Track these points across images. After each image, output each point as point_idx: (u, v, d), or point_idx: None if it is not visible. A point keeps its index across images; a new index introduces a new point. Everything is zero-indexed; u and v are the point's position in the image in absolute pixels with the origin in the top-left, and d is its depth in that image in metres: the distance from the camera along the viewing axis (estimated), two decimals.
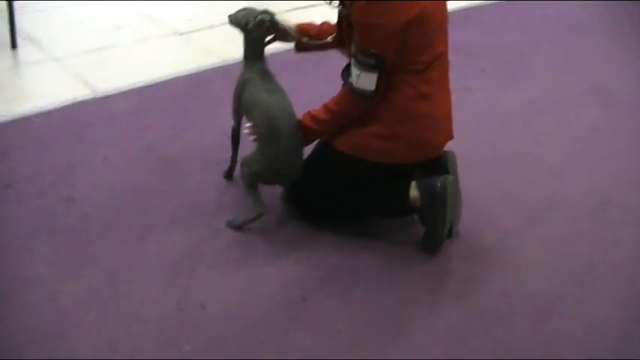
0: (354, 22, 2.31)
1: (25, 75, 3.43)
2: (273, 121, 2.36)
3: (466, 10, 4.76)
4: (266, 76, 2.49)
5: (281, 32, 2.57)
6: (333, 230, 2.54)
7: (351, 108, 2.39)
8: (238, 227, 2.47)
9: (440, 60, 2.40)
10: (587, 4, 5.35)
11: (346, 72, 2.38)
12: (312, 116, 2.44)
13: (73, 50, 3.63)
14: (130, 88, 3.35)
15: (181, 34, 3.95)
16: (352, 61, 2.32)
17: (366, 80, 2.29)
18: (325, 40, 2.56)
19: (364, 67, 2.27)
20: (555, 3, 5.26)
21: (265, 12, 2.50)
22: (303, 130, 2.45)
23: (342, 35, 2.47)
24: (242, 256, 2.40)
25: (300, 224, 2.55)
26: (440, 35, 2.40)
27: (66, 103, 3.17)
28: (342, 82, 2.40)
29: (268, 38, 2.54)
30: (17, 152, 2.81)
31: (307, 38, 2.57)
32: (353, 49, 2.32)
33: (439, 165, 2.49)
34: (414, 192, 2.42)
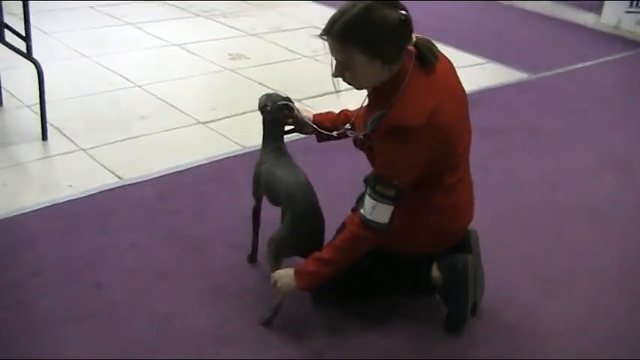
0: (381, 156, 2.23)
1: (55, 165, 3.53)
2: (290, 191, 2.41)
3: (476, 93, 4.87)
4: (281, 153, 2.56)
5: (299, 122, 2.61)
6: (357, 310, 2.56)
7: (362, 243, 2.29)
8: (271, 319, 2.46)
9: (463, 155, 2.40)
10: (597, 83, 5.46)
11: (359, 201, 2.31)
12: (317, 259, 2.31)
13: (100, 141, 3.75)
14: (155, 176, 3.44)
15: (204, 122, 4.07)
16: (368, 191, 2.23)
17: (381, 212, 2.21)
18: (340, 131, 2.54)
19: (382, 198, 2.19)
20: (565, 82, 5.38)
21: (285, 99, 2.59)
22: (305, 276, 2.33)
23: (362, 150, 2.42)
24: (264, 336, 2.42)
25: (324, 303, 2.58)
26: (463, 138, 2.36)
27: (93, 192, 3.25)
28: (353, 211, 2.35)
29: (287, 128, 2.62)
30: (45, 240, 2.88)
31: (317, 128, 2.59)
32: (371, 179, 2.23)
33: (462, 243, 2.51)
34: (436, 272, 2.45)
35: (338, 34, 2.14)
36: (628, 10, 7.24)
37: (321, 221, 2.44)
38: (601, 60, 6.13)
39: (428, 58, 2.21)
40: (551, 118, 4.62)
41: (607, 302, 2.72)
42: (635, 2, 7.18)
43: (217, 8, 6.59)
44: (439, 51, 2.28)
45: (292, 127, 2.64)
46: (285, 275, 2.37)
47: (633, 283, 2.85)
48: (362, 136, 2.32)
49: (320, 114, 2.68)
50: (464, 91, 2.40)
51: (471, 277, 2.41)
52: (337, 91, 2.28)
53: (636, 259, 3.02)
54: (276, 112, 2.55)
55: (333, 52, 2.18)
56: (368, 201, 2.23)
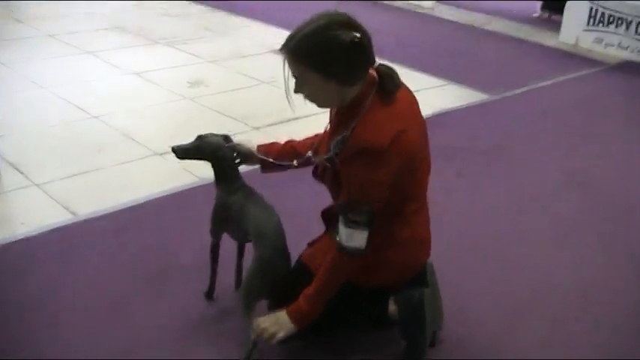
0: (348, 181, 2.20)
1: (7, 202, 3.46)
2: (261, 231, 2.40)
3: (437, 115, 4.88)
4: (249, 192, 2.53)
5: (244, 154, 2.59)
6: (316, 344, 2.52)
7: (344, 269, 2.28)
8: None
9: (423, 185, 2.39)
10: (557, 102, 5.51)
11: (332, 231, 2.28)
12: (306, 296, 2.28)
13: (54, 175, 3.69)
14: (111, 210, 3.38)
15: (161, 154, 4.02)
16: (341, 220, 2.21)
17: (357, 238, 2.20)
18: (301, 160, 2.52)
19: (356, 225, 2.18)
20: (525, 103, 5.43)
21: (227, 138, 2.57)
22: (300, 316, 2.30)
23: (322, 181, 2.40)
24: None
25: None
26: (423, 169, 2.35)
27: (47, 229, 3.19)
28: (327, 234, 2.33)
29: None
30: None
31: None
32: (341, 207, 2.22)
33: (418, 275, 2.47)
34: (392, 306, 2.42)
35: (293, 50, 2.13)
36: (586, 28, 7.35)
37: (289, 263, 2.44)
38: (561, 79, 6.19)
39: (387, 86, 2.19)
40: (512, 139, 4.64)
41: (570, 333, 2.70)
42: (592, 20, 7.29)
43: (177, 35, 6.57)
44: (400, 81, 2.26)
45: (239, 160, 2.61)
46: (274, 322, 2.31)
47: (596, 308, 2.85)
48: (325, 161, 2.28)
49: (264, 145, 2.65)
50: (423, 120, 2.39)
51: (428, 310, 2.38)
52: (292, 109, 2.22)
53: (598, 282, 3.02)
54: (227, 153, 2.53)
55: (290, 67, 2.17)
56: (343, 230, 2.20)
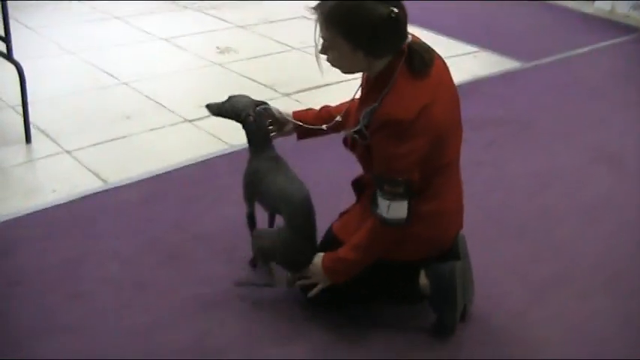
0: (377, 154, 2.20)
1: (38, 169, 3.48)
2: (297, 210, 2.39)
3: (469, 83, 4.81)
4: (280, 163, 2.51)
5: (279, 122, 2.58)
6: (344, 316, 2.52)
7: (387, 238, 2.27)
8: (243, 284, 2.52)
9: (454, 159, 2.36)
10: (590, 71, 5.40)
11: (372, 202, 2.25)
12: (341, 259, 2.31)
13: (84, 142, 3.70)
14: (140, 178, 3.39)
15: (191, 121, 4.01)
16: (378, 192, 2.20)
17: (397, 209, 2.18)
18: (330, 124, 2.49)
19: (393, 196, 2.17)
20: (558, 71, 5.32)
21: (261, 102, 2.53)
22: (336, 274, 2.34)
23: (353, 151, 2.38)
24: (247, 346, 2.38)
25: (310, 310, 2.53)
26: (454, 140, 2.33)
27: (76, 197, 3.20)
28: (369, 209, 2.28)
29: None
30: (26, 248, 2.83)
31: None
32: (376, 179, 2.21)
33: (451, 247, 2.47)
34: (423, 280, 2.40)
35: (326, 13, 2.11)
36: None
37: (314, 241, 2.44)
38: (595, 46, 6.05)
39: (415, 63, 2.15)
40: (543, 110, 4.56)
41: (596, 305, 2.67)
42: None
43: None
44: (434, 56, 2.22)
45: (271, 128, 2.59)
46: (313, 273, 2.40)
47: (622, 284, 2.80)
48: (354, 133, 2.26)
49: (300, 111, 2.63)
50: (457, 93, 2.35)
51: (459, 284, 2.36)
52: (321, 72, 2.24)
53: (625, 258, 2.98)
54: (259, 119, 2.49)
55: (320, 28, 2.15)
56: (381, 201, 2.20)
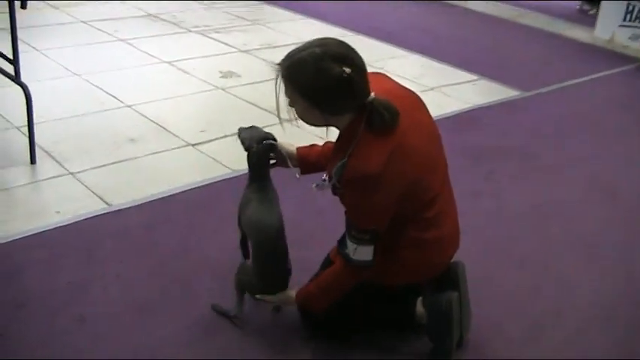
0: (346, 203, 2.27)
1: (43, 190, 3.51)
2: (261, 238, 2.45)
3: (468, 112, 4.88)
4: (264, 194, 2.55)
5: (281, 158, 2.61)
6: (341, 343, 2.55)
7: (352, 278, 2.35)
8: (216, 310, 2.62)
9: (441, 189, 2.39)
10: (589, 101, 5.47)
11: (341, 242, 2.33)
12: (318, 283, 2.40)
13: (89, 164, 3.74)
14: (144, 201, 3.43)
15: (194, 145, 4.06)
16: (347, 234, 2.27)
17: (363, 253, 2.25)
18: (296, 174, 2.58)
19: (360, 241, 2.23)
20: (558, 101, 5.38)
21: (268, 136, 2.58)
22: (310, 298, 2.42)
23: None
24: None
25: (308, 338, 2.57)
26: (435, 175, 2.37)
27: (80, 219, 3.23)
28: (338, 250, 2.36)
29: (270, 162, 2.61)
30: (31, 270, 2.86)
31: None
32: (347, 222, 2.27)
33: (448, 276, 2.51)
34: (420, 308, 2.44)
35: (284, 72, 2.19)
36: (622, 23, 7.26)
37: (284, 266, 2.48)
38: (594, 76, 6.14)
39: (375, 123, 2.17)
40: (542, 140, 4.62)
41: (593, 340, 2.70)
42: (629, 16, 7.20)
43: (209, 24, 6.59)
44: (396, 115, 2.19)
45: (275, 161, 2.64)
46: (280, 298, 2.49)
47: (618, 322, 2.84)
48: (331, 186, 2.32)
49: (304, 147, 2.67)
50: (432, 125, 2.40)
51: (456, 314, 2.40)
52: (280, 121, 2.31)
53: (623, 292, 3.01)
54: (261, 152, 2.54)
55: (283, 84, 2.22)
56: (349, 244, 2.26)
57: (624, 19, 7.24)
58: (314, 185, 2.45)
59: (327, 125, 2.31)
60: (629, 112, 5.33)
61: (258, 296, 2.50)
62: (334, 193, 2.36)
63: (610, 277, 3.11)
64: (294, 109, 2.25)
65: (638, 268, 3.20)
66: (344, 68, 2.09)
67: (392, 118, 2.18)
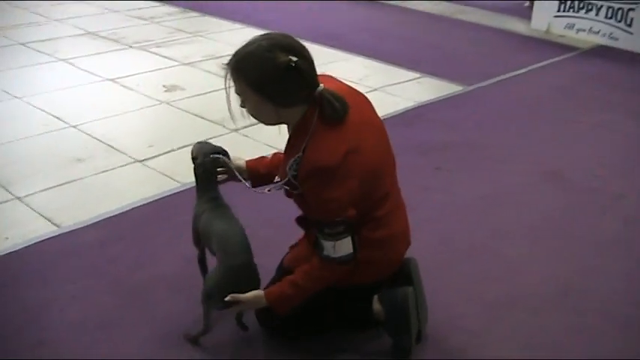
0: (310, 201, 2.26)
1: None
2: (223, 246, 2.42)
3: (413, 109, 4.93)
4: (216, 204, 2.55)
5: (230, 173, 2.60)
6: (300, 346, 2.56)
7: (332, 273, 2.32)
8: (191, 341, 2.53)
9: (391, 186, 2.43)
10: (531, 90, 5.57)
11: (317, 246, 2.30)
12: (292, 283, 2.34)
13: (36, 187, 3.69)
14: (95, 220, 3.39)
15: (141, 161, 4.04)
16: (320, 236, 2.26)
17: (343, 246, 2.25)
18: (246, 183, 2.56)
19: (336, 236, 2.23)
20: (500, 93, 5.48)
21: (217, 150, 2.58)
22: (283, 298, 2.36)
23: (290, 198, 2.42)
24: None
25: (268, 343, 2.58)
26: (386, 173, 2.40)
27: (31, 243, 3.19)
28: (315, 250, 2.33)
29: (221, 178, 2.62)
30: None
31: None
32: (316, 224, 2.27)
33: (402, 272, 2.54)
34: (376, 305, 2.46)
35: (234, 67, 2.21)
36: (557, 14, 7.42)
37: (253, 278, 2.44)
38: (535, 66, 6.25)
39: (327, 113, 2.21)
40: (488, 132, 4.69)
41: (547, 323, 2.75)
42: (562, 6, 7.36)
43: (150, 39, 6.56)
44: (346, 103, 2.24)
45: (226, 176, 2.64)
46: (250, 299, 2.39)
47: (571, 299, 2.91)
48: (285, 185, 2.32)
49: (253, 160, 2.67)
50: (381, 124, 2.43)
51: (412, 308, 2.43)
52: (233, 122, 2.35)
53: (573, 275, 3.08)
54: (207, 164, 2.55)
55: (233, 82, 2.24)
56: (326, 244, 2.26)
57: (558, 10, 7.41)
58: (267, 190, 2.46)
59: (278, 122, 2.31)
60: (571, 98, 5.45)
61: (228, 298, 2.39)
62: (289, 194, 2.37)
63: (560, 261, 3.18)
64: (246, 107, 2.26)
65: (586, 251, 3.27)
66: (291, 57, 2.12)
67: (342, 107, 2.22)
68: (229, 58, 2.23)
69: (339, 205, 2.22)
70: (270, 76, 2.15)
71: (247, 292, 2.38)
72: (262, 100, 2.20)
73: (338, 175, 2.18)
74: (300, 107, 2.23)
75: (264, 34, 2.22)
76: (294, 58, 2.12)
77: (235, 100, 2.28)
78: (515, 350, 2.59)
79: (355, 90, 2.40)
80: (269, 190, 2.46)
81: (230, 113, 2.29)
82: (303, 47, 2.20)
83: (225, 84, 2.25)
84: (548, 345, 2.62)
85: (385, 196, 2.38)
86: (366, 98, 2.42)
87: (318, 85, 2.21)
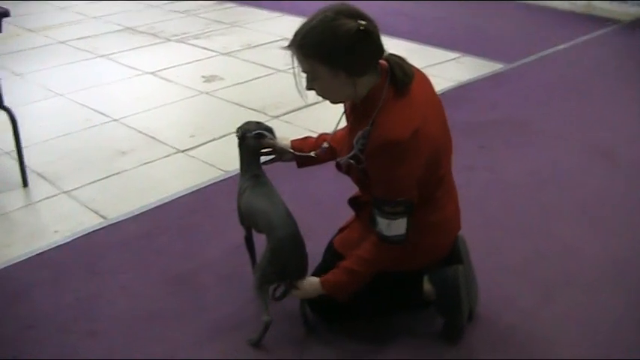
0: (375, 177, 2.21)
1: (38, 212, 3.50)
2: (268, 220, 2.40)
3: (455, 89, 4.87)
4: (258, 181, 2.54)
5: (277, 150, 2.60)
6: (354, 328, 2.54)
7: (387, 254, 2.29)
8: (256, 344, 2.48)
9: (448, 167, 2.39)
10: (574, 66, 5.46)
11: (371, 222, 2.27)
12: (347, 269, 2.31)
13: (81, 181, 3.72)
14: (140, 211, 3.41)
15: (184, 151, 4.05)
16: (377, 213, 2.21)
17: (397, 227, 2.21)
18: (317, 151, 2.53)
19: (394, 215, 2.19)
20: (542, 69, 5.38)
21: (262, 127, 2.57)
22: (340, 285, 2.33)
23: (348, 175, 2.39)
24: None
25: (320, 326, 2.56)
26: (447, 150, 2.36)
27: (79, 235, 3.22)
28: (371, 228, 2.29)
29: (267, 158, 2.61)
30: (36, 291, 2.85)
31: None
32: (376, 202, 2.21)
33: (451, 251, 2.51)
34: (427, 286, 2.43)
35: (299, 45, 2.13)
36: None
37: (301, 249, 2.40)
38: (575, 41, 6.14)
39: (399, 76, 2.17)
40: (531, 109, 4.62)
41: (605, 302, 2.69)
42: None
43: (188, 31, 6.58)
44: (412, 69, 2.23)
45: (272, 155, 2.63)
46: (308, 285, 2.39)
47: (629, 280, 2.83)
48: (349, 159, 2.27)
49: (298, 139, 2.65)
50: (440, 102, 2.37)
51: (463, 287, 2.40)
52: (304, 100, 2.27)
53: (629, 252, 3.00)
54: (250, 140, 2.53)
55: (300, 63, 2.18)
56: (381, 221, 2.22)
57: None
58: (313, 153, 2.46)
59: (349, 97, 2.22)
60: (614, 72, 5.34)
61: (279, 295, 2.40)
62: (346, 169, 2.33)
63: (614, 240, 3.10)
64: (315, 87, 2.20)
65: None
66: (359, 21, 2.07)
67: (410, 70, 2.20)
68: (291, 39, 2.16)
69: (405, 184, 2.17)
70: (342, 44, 2.07)
71: (296, 266, 2.37)
72: (336, 73, 2.12)
73: (408, 152, 2.12)
74: (371, 76, 2.16)
75: (324, 8, 2.14)
76: (363, 22, 2.07)
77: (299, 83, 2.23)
78: (570, 331, 2.53)
79: (414, 66, 2.35)
80: (315, 155, 2.45)
81: (300, 93, 2.22)
82: (365, 12, 2.14)
83: (293, 66, 2.19)
84: (603, 326, 2.56)
85: (442, 177, 2.34)
86: (425, 75, 2.35)
87: (385, 50, 2.17)
